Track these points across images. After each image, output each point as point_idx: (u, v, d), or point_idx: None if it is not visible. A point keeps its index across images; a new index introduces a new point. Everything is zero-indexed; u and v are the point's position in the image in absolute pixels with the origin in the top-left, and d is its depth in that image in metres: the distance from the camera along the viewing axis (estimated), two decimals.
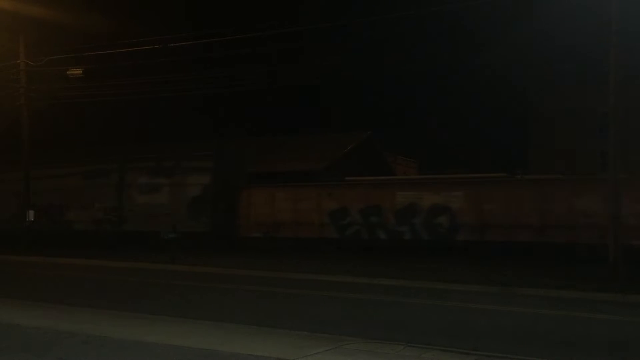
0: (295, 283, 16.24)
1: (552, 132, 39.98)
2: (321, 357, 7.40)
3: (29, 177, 26.72)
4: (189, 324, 9.60)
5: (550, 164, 36.21)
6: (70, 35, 28.23)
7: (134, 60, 24.11)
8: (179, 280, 16.96)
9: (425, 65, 29.00)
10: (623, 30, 16.32)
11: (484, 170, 31.53)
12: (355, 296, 14.10)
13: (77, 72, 25.08)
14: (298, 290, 14.91)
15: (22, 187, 26.68)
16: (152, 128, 42.92)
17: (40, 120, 28.95)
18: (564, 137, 39.11)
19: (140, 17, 40.16)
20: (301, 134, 37.64)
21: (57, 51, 25.30)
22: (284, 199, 26.50)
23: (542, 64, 39.45)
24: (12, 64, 25.99)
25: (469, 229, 23.17)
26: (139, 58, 23.98)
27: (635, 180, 20.71)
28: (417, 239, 23.99)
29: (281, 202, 26.50)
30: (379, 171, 33.74)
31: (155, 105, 36.60)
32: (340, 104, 50.88)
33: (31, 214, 26.18)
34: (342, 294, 14.24)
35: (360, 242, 24.97)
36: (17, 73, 26.10)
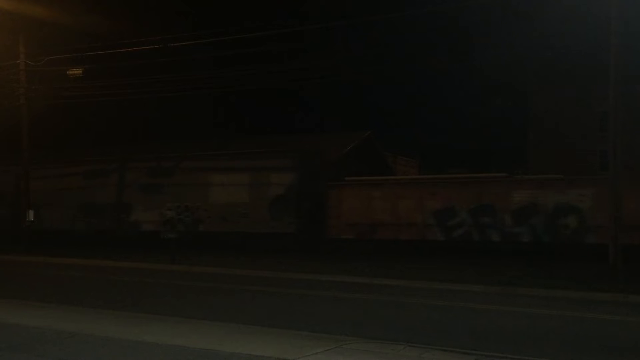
0: (295, 283, 16.24)
1: (552, 132, 39.97)
2: (321, 356, 7.39)
3: (29, 176, 26.67)
4: (189, 323, 9.59)
5: (550, 164, 36.19)
6: (70, 35, 28.21)
7: (135, 59, 24.08)
8: (179, 280, 16.96)
9: (425, 65, 28.98)
10: (623, 30, 16.32)
11: (484, 170, 31.54)
12: (355, 296, 14.10)
13: (77, 72, 25.06)
14: (298, 290, 14.91)
15: (22, 186, 26.64)
16: (153, 127, 42.91)
17: (46, 120, 28.91)
18: (564, 137, 39.09)
19: (140, 17, 40.16)
20: (301, 134, 37.64)
21: (57, 51, 25.28)
22: (381, 198, 24.50)
23: (542, 64, 39.47)
24: (12, 64, 25.99)
25: (601, 230, 20.34)
26: (140, 58, 23.96)
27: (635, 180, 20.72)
28: (538, 241, 22.01)
29: (378, 202, 24.48)
30: (380, 171, 33.72)
31: (159, 104, 36.53)
32: (340, 103, 50.93)
33: (31, 214, 26.11)
34: (342, 294, 14.24)
35: (470, 245, 22.96)
36: (17, 73, 26.12)
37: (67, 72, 25.12)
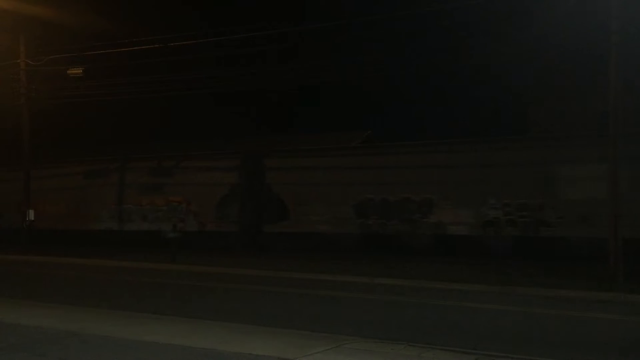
0: (296, 283, 16.23)
1: (552, 132, 39.92)
2: (321, 356, 7.39)
3: (29, 176, 26.65)
4: (190, 323, 9.59)
5: None
6: (70, 35, 28.23)
7: (135, 59, 24.09)
8: (180, 279, 16.95)
9: (424, 64, 28.94)
10: (623, 30, 16.31)
11: None
12: (355, 296, 14.10)
13: (77, 71, 25.05)
14: (299, 289, 14.90)
15: (23, 186, 26.58)
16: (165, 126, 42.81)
17: (46, 119, 28.78)
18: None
19: (140, 17, 40.15)
20: (301, 134, 37.62)
21: (58, 51, 25.29)
22: None
23: (542, 64, 39.44)
24: (13, 64, 26.02)
25: None
26: (140, 57, 23.95)
27: None
28: None
29: None
30: None
31: (160, 103, 36.50)
32: (340, 103, 50.86)
33: (31, 214, 26.05)
34: (342, 294, 14.24)
35: None
36: (18, 72, 26.14)
37: (68, 72, 25.14)
